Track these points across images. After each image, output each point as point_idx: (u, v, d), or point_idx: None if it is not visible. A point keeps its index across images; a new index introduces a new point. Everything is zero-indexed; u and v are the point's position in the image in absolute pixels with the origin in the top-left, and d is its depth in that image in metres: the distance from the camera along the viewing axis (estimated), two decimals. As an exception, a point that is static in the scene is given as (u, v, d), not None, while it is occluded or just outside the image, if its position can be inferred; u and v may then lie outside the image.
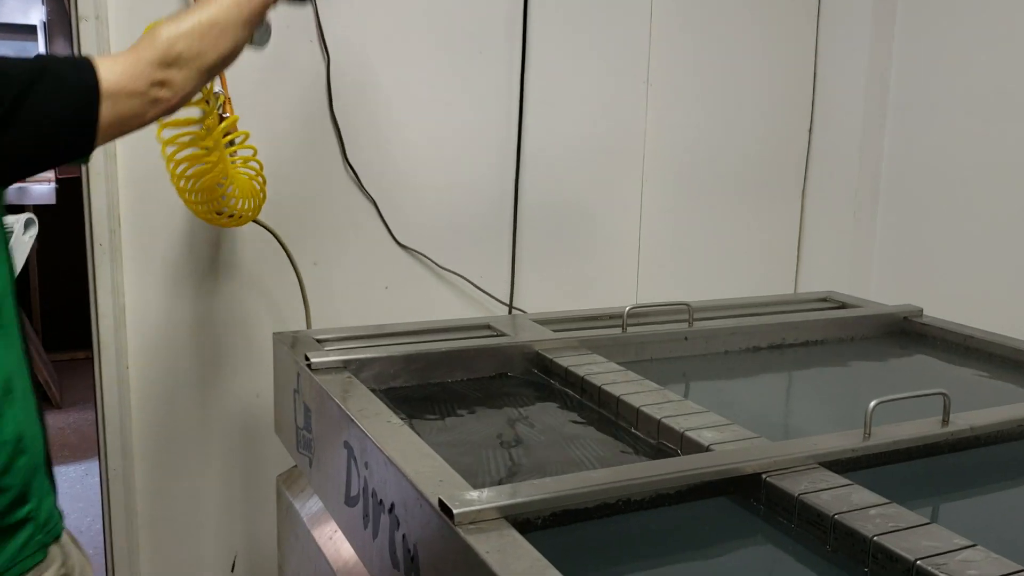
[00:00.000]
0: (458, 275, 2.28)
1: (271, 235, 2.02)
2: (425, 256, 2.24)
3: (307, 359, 1.48)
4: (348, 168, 2.16)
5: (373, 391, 1.47)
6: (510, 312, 2.35)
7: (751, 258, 2.66)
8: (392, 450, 1.14)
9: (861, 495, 1.06)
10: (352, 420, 1.27)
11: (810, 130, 2.67)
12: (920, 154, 2.48)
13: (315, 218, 2.14)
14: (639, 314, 1.83)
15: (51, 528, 1.13)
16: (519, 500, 0.99)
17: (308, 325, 2.13)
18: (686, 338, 1.74)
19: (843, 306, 2.08)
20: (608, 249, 2.46)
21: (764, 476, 1.10)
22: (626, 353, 1.68)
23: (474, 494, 0.99)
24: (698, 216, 2.57)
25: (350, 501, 1.29)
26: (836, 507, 1.02)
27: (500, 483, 1.15)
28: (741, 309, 1.99)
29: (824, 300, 2.12)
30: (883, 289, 2.63)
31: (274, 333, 1.68)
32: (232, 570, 2.25)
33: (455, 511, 0.95)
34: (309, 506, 1.55)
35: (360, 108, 2.14)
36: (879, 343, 1.90)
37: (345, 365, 1.49)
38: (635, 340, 1.69)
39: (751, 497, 1.11)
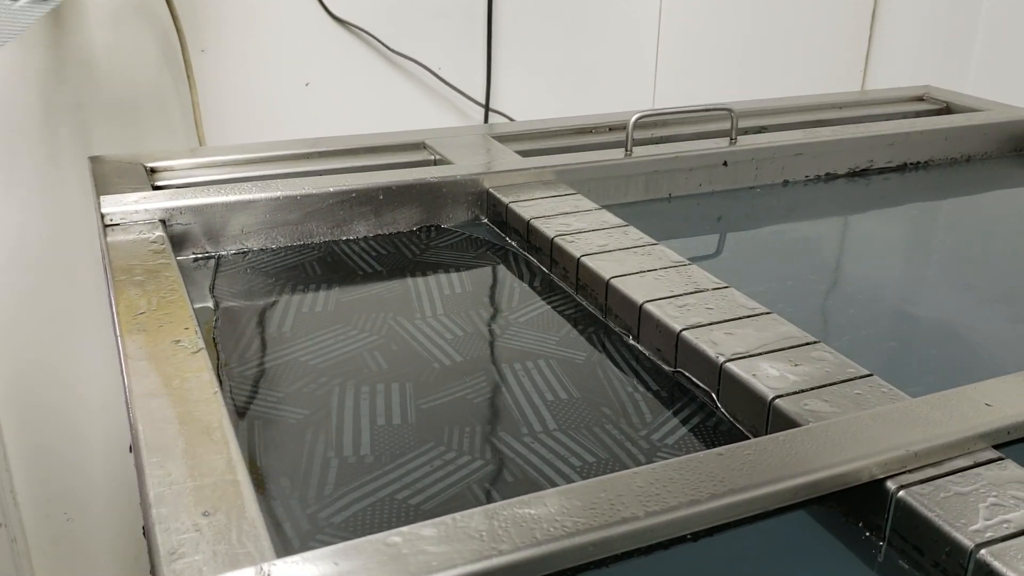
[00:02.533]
0: (415, 62, 1.64)
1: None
2: (370, 34, 1.60)
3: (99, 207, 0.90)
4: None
5: (201, 262, 0.90)
6: (486, 118, 1.73)
7: (804, 38, 1.98)
8: (145, 416, 0.58)
9: (1111, 545, 0.49)
10: (116, 328, 0.70)
11: None
12: None
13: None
14: (652, 124, 1.21)
15: None
16: (346, 595, 0.42)
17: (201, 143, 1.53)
18: (725, 163, 1.13)
19: (947, 109, 1.44)
20: (617, 28, 1.80)
21: (892, 484, 0.53)
22: (630, 190, 1.08)
23: (241, 582, 0.43)
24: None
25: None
26: (1070, 591, 0.45)
27: (339, 525, 0.58)
28: (803, 115, 1.37)
29: (920, 100, 1.48)
30: (982, 85, 1.98)
31: (89, 157, 1.08)
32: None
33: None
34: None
35: None
36: (1008, 166, 1.29)
37: (165, 218, 0.90)
38: (644, 168, 1.09)
39: (857, 517, 0.55)
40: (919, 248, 1.07)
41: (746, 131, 1.26)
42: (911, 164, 1.24)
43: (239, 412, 0.63)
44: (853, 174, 1.20)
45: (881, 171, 1.22)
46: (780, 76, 1.95)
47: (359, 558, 0.44)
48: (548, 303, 0.85)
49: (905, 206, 1.17)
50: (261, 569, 0.43)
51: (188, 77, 1.41)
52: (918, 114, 1.43)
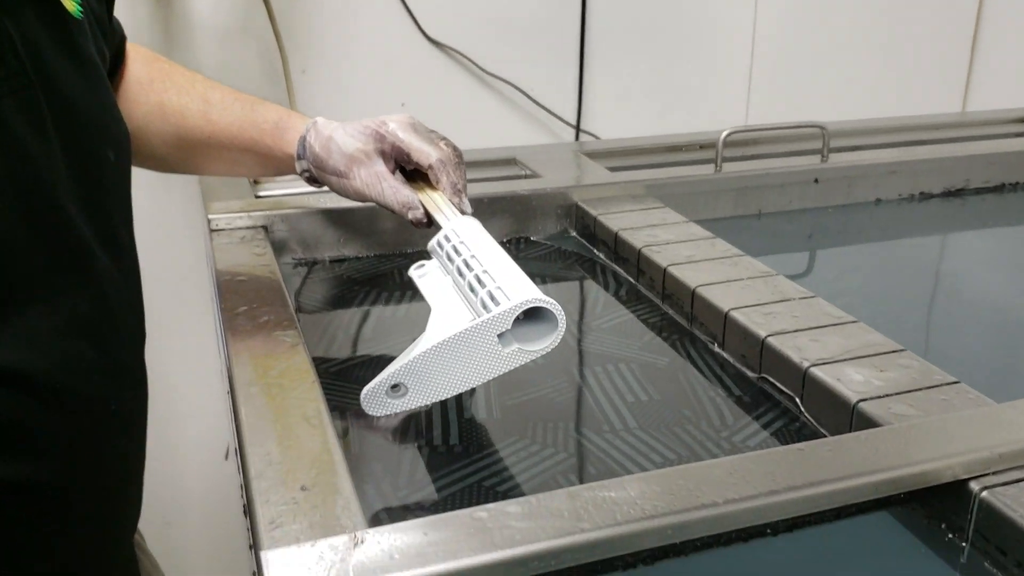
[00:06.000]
0: (508, 83, 1.67)
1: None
2: (464, 56, 1.64)
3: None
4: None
5: (299, 267, 0.94)
6: (577, 136, 1.75)
7: (902, 58, 1.95)
8: (247, 400, 0.61)
9: None
10: (219, 324, 0.74)
11: None
12: None
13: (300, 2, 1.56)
14: (743, 142, 1.22)
15: None
16: (445, 568, 0.45)
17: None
18: (816, 180, 1.13)
19: (1050, 130, 1.42)
20: (709, 47, 1.81)
21: (976, 486, 0.53)
22: (719, 206, 1.09)
23: (336, 544, 0.45)
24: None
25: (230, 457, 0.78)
26: None
27: (427, 502, 0.60)
28: (898, 135, 1.36)
29: (1021, 121, 1.46)
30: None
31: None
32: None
33: (271, 604, 0.42)
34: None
35: None
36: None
37: (267, 224, 0.95)
38: (734, 184, 1.09)
39: (940, 518, 0.55)
40: (1015, 267, 1.05)
41: (839, 150, 1.25)
42: (1009, 184, 1.22)
43: (329, 404, 0.65)
44: (948, 194, 1.19)
45: (978, 191, 1.20)
46: (877, 97, 1.92)
47: (447, 530, 0.46)
48: (633, 311, 0.86)
49: (1002, 227, 1.15)
50: (355, 536, 0.46)
51: (289, 96, 1.47)
52: (1018, 135, 1.40)
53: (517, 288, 0.62)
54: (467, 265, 0.68)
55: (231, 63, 1.49)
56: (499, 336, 0.61)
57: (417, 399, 0.63)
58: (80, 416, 0.63)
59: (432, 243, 0.77)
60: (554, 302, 0.61)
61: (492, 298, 0.62)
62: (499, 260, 0.68)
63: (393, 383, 0.62)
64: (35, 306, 0.58)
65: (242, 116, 0.86)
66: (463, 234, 0.73)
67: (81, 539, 0.65)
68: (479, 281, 0.65)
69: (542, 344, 0.62)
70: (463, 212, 0.81)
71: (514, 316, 0.61)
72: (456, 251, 0.71)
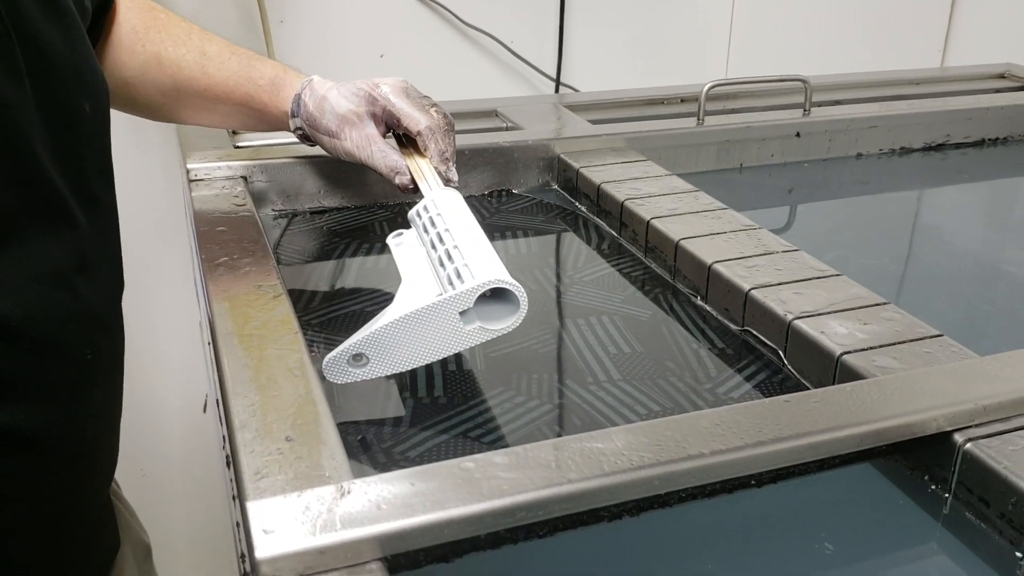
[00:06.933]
0: (488, 35, 1.65)
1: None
2: (444, 7, 1.62)
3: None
4: None
5: (279, 218, 0.93)
6: (557, 89, 1.74)
7: (882, 14, 1.95)
8: (229, 351, 0.60)
9: None
10: (199, 274, 0.73)
11: None
12: None
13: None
14: (725, 95, 1.21)
15: None
16: (432, 518, 0.44)
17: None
18: (798, 134, 1.12)
19: (1029, 86, 1.42)
20: (689, 1, 1.80)
21: (960, 437, 0.53)
22: (701, 159, 1.09)
23: (322, 495, 0.45)
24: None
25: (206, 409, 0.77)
26: None
27: (408, 448, 0.60)
28: (879, 90, 1.35)
29: (1001, 77, 1.46)
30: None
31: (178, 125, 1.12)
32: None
33: (261, 557, 0.42)
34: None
35: None
36: (1091, 143, 1.26)
37: (247, 175, 0.94)
38: (716, 137, 1.09)
39: (923, 470, 0.55)
40: (995, 221, 1.06)
41: (820, 104, 1.25)
42: (989, 140, 1.22)
43: (312, 355, 0.65)
44: (929, 148, 1.19)
45: (958, 146, 1.20)
46: (856, 53, 1.92)
47: (434, 480, 0.46)
48: (616, 265, 0.86)
49: (983, 182, 1.16)
50: (341, 487, 0.46)
51: (267, 47, 1.44)
52: (998, 91, 1.40)
53: (483, 267, 0.62)
54: (440, 239, 0.68)
55: (209, 12, 1.46)
56: (461, 313, 0.61)
57: (378, 370, 0.62)
58: (56, 364, 0.62)
59: (412, 212, 0.76)
60: (517, 284, 0.61)
61: (458, 275, 0.62)
62: (471, 236, 0.67)
63: (355, 353, 0.61)
64: (9, 253, 0.57)
65: (239, 71, 0.85)
66: (441, 206, 0.72)
67: (58, 487, 0.64)
68: (448, 256, 0.65)
69: (504, 324, 0.62)
70: (449, 180, 0.80)
71: (476, 295, 0.60)
72: (432, 223, 0.71)
